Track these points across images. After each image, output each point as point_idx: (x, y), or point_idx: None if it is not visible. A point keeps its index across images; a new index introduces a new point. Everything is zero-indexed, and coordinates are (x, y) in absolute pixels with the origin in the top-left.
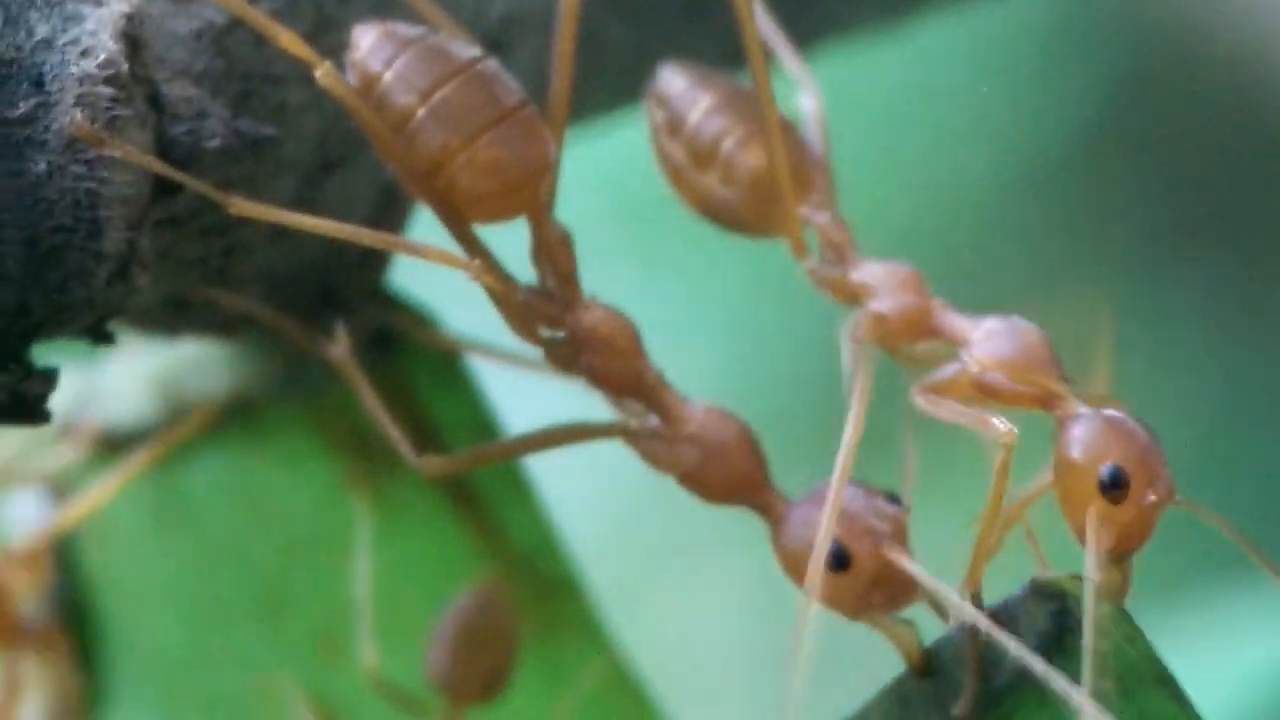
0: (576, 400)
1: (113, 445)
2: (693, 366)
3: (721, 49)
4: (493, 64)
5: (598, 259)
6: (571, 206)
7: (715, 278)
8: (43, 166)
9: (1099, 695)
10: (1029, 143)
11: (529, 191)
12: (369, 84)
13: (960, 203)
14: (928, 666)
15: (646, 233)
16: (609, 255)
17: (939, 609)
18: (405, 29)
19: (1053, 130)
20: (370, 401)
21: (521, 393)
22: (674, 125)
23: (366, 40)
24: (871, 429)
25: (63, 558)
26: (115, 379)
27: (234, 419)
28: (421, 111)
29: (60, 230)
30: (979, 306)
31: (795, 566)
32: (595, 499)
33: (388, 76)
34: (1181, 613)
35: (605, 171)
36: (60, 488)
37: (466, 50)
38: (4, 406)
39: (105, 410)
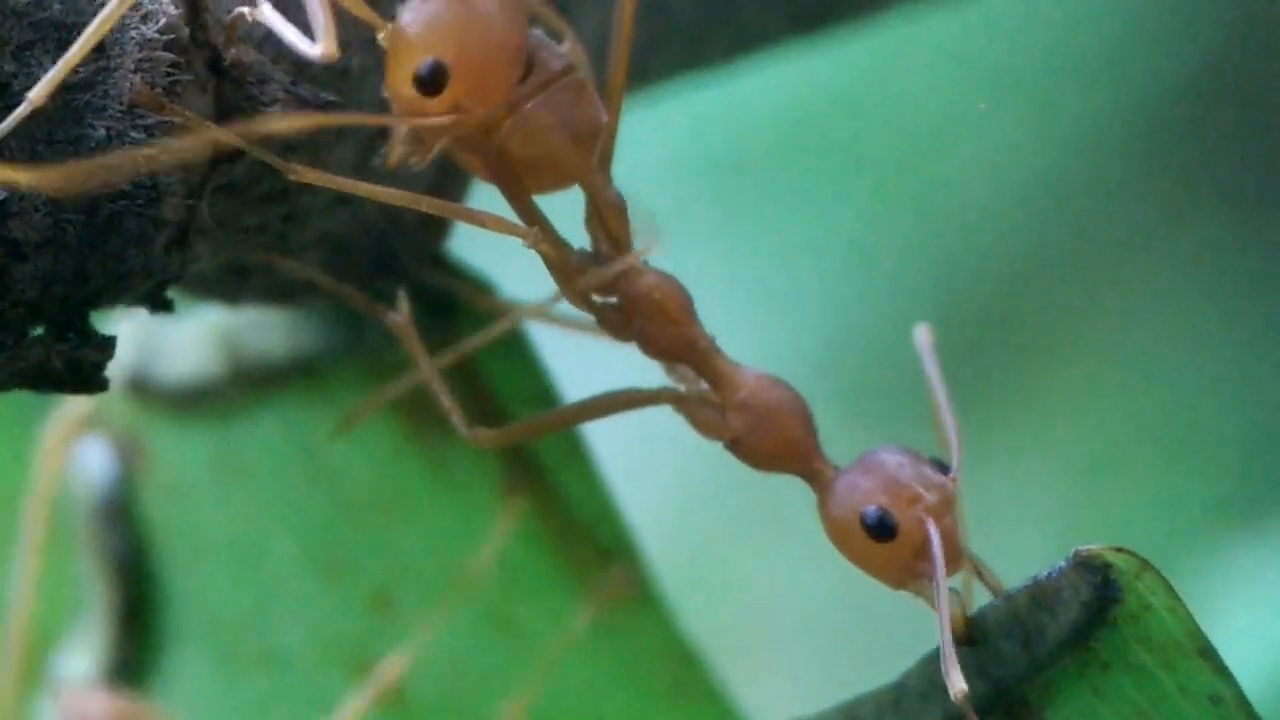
0: (639, 367)
1: (176, 401)
2: (751, 331)
3: (786, 15)
4: (538, 32)
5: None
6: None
7: (773, 246)
8: (102, 132)
9: (1137, 669)
10: (1100, 115)
11: (580, 157)
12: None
13: (1035, 171)
14: (971, 635)
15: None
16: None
17: (984, 579)
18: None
19: (1130, 99)
20: (427, 370)
21: (583, 360)
22: None
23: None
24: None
25: (123, 512)
26: (179, 335)
27: (294, 378)
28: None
29: (119, 197)
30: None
31: (841, 534)
32: (655, 466)
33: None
34: (1224, 583)
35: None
36: (124, 441)
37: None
38: (61, 374)
39: (169, 365)
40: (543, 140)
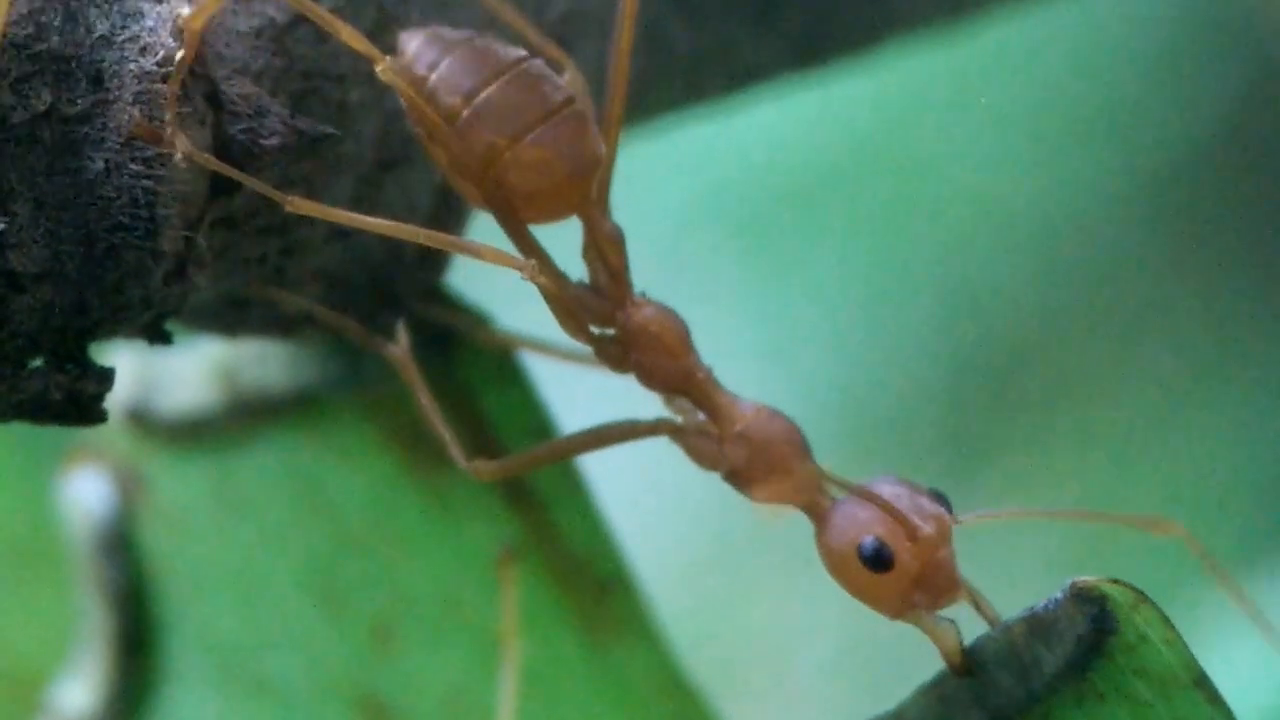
0: (637, 398)
1: (175, 432)
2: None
3: (787, 49)
4: (538, 63)
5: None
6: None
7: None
8: (100, 164)
9: (1134, 700)
10: (1135, 145)
11: (578, 189)
12: (417, 84)
13: (1070, 204)
14: (968, 666)
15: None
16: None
17: (981, 609)
18: (450, 32)
19: (1165, 133)
20: (425, 403)
21: (579, 392)
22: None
23: (412, 44)
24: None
25: (122, 543)
26: (179, 367)
27: (292, 410)
28: (467, 112)
29: (118, 229)
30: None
31: (839, 565)
32: (653, 497)
33: (433, 79)
34: (1219, 615)
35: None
36: (123, 472)
37: (512, 51)
38: (59, 405)
39: (168, 397)
40: (542, 172)
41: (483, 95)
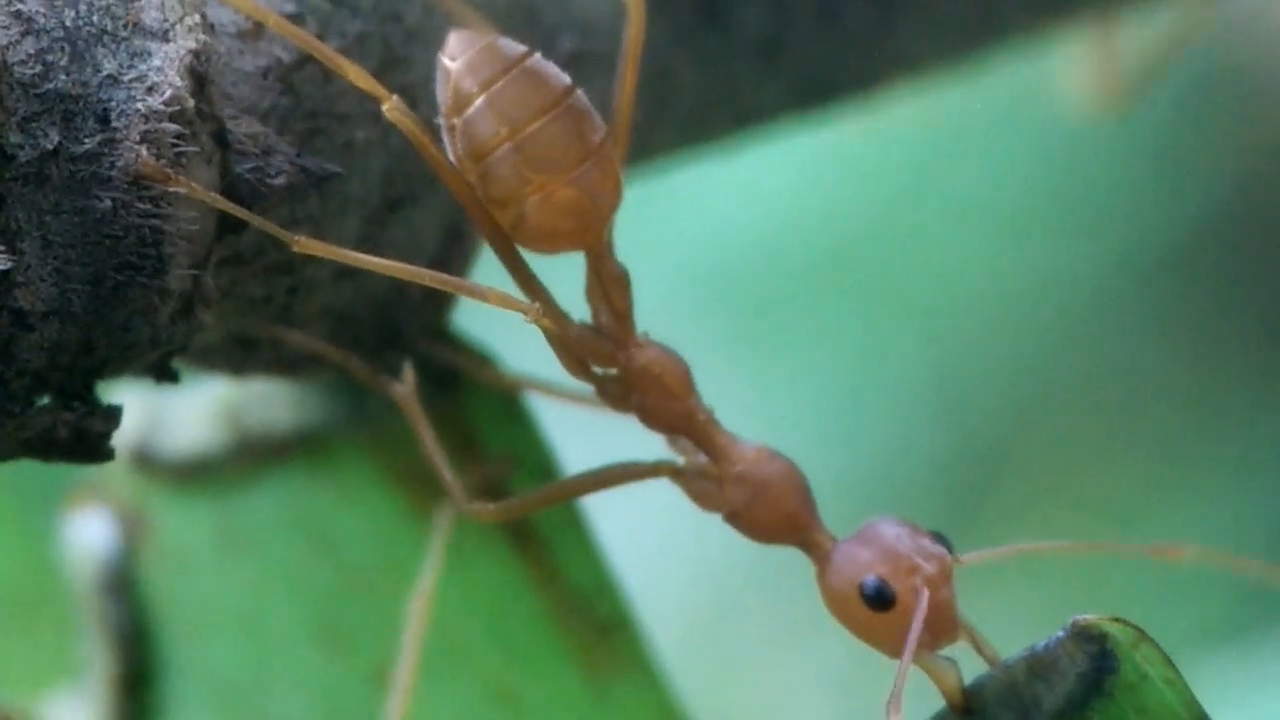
0: (645, 438)
1: (180, 472)
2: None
3: (792, 91)
4: (582, 96)
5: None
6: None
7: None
8: (108, 203)
9: None
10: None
11: (597, 231)
12: (460, 101)
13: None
14: (969, 705)
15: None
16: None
17: (981, 648)
18: (507, 46)
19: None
20: (429, 443)
21: (586, 433)
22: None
23: (465, 52)
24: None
25: (125, 582)
26: (184, 407)
27: (297, 450)
28: (509, 145)
29: (125, 267)
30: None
31: (840, 604)
32: (655, 537)
33: (480, 101)
34: (1221, 655)
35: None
36: (127, 512)
37: (561, 78)
38: (67, 443)
39: (173, 437)
40: (569, 213)
41: (530, 129)
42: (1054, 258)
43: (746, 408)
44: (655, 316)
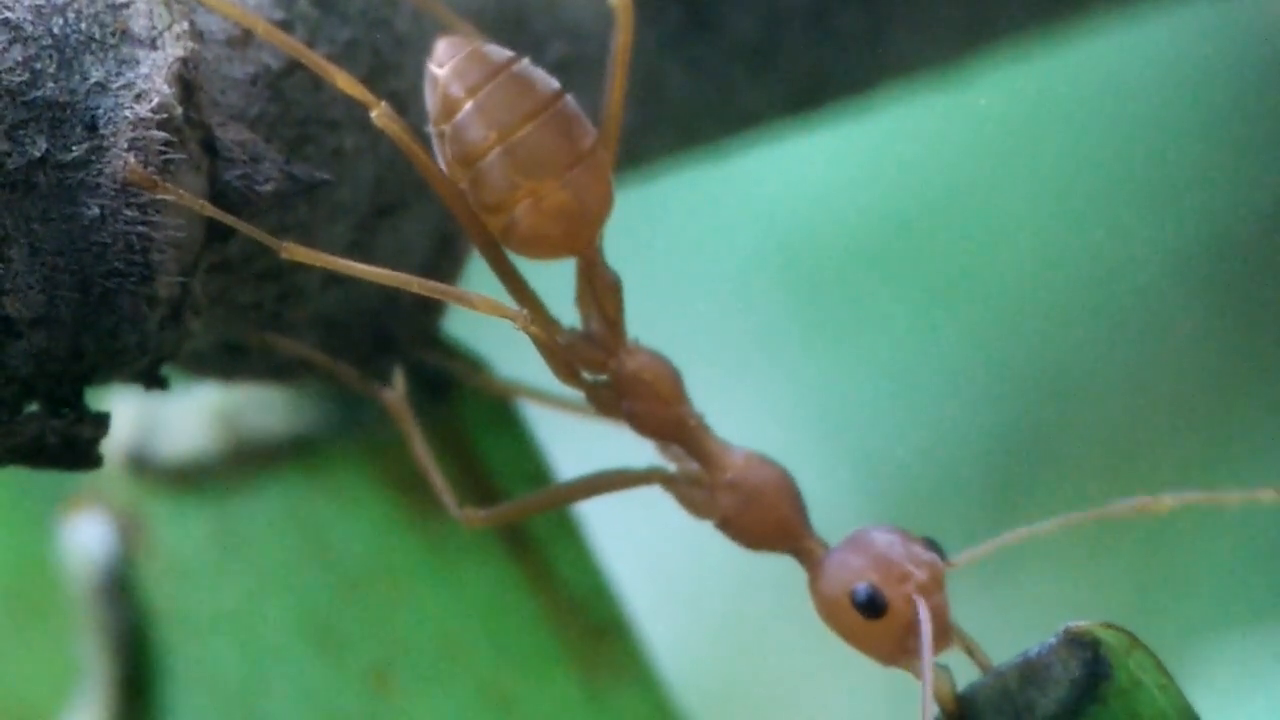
0: (638, 444)
1: (175, 478)
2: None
3: (785, 95)
4: (571, 100)
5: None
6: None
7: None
8: (95, 211)
9: None
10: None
11: (588, 236)
12: (448, 107)
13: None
14: (962, 711)
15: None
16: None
17: (974, 656)
18: (493, 52)
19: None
20: (420, 450)
21: (578, 438)
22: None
23: (452, 59)
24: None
25: (122, 588)
26: (179, 413)
27: (291, 456)
28: (498, 150)
29: (113, 274)
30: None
31: (832, 611)
32: (648, 541)
33: (468, 106)
34: (1214, 660)
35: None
36: (123, 518)
37: (549, 82)
38: (55, 450)
39: (168, 443)
40: (560, 218)
41: (519, 134)
42: (1104, 247)
43: (795, 394)
44: (711, 303)
